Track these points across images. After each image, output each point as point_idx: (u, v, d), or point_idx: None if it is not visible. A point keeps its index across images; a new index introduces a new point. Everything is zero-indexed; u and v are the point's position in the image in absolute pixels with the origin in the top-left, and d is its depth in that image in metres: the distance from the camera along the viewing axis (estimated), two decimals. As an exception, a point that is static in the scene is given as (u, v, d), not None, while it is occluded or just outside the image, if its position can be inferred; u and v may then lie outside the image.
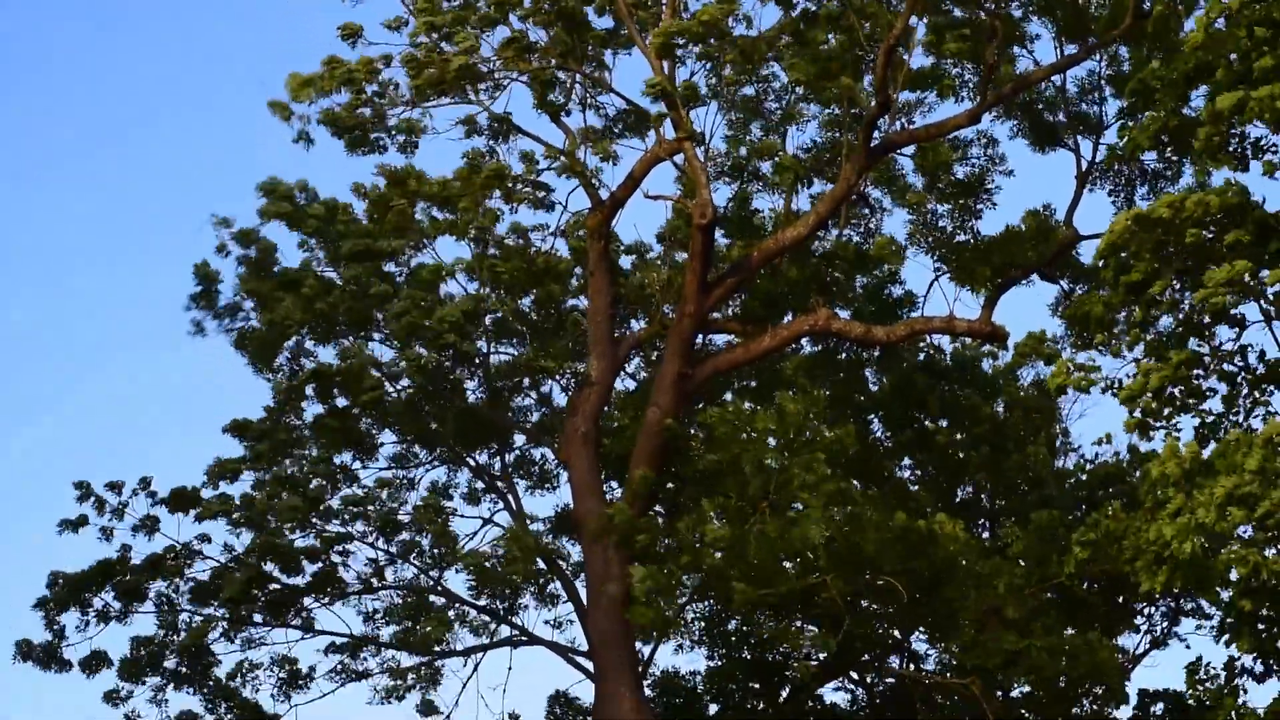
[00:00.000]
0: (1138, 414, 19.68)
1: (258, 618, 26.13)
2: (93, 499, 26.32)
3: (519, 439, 28.76)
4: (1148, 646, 31.07)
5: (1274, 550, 17.52)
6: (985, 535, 28.96)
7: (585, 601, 24.94)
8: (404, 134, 25.57)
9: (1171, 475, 17.16)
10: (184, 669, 26.26)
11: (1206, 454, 18.66)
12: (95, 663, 26.13)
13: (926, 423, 28.49)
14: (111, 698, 26.30)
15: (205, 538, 26.26)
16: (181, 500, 26.12)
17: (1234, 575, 17.14)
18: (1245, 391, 20.41)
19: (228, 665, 26.36)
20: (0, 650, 29.30)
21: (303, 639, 26.51)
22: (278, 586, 25.47)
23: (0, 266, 60.19)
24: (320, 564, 25.69)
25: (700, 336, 26.41)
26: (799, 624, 24.45)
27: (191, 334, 27.28)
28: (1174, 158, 26.34)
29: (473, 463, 28.38)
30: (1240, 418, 20.25)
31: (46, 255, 65.08)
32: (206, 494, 26.35)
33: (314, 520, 25.49)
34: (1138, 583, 17.66)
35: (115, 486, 26.40)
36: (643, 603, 21.76)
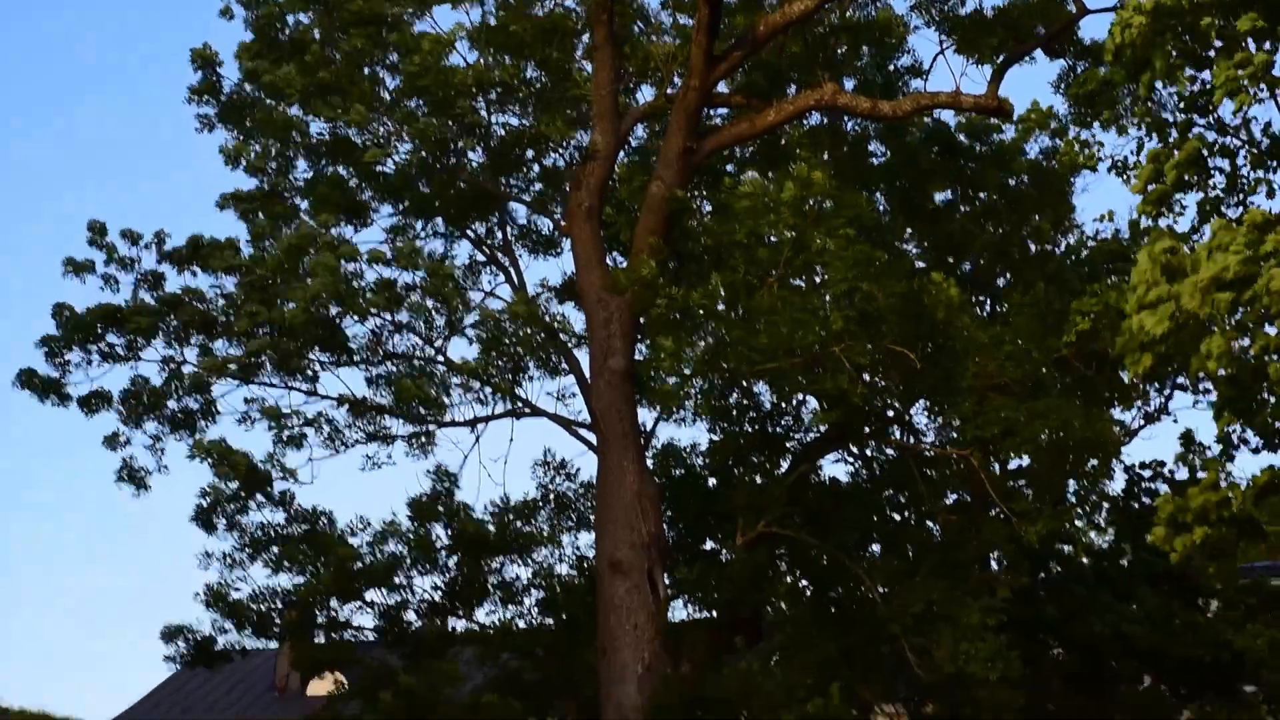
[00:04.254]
0: (1144, 197, 19.62)
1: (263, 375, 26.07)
2: (103, 246, 26.08)
3: (520, 211, 28.72)
4: (1142, 423, 31.55)
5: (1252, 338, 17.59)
6: (989, 311, 29.15)
7: (588, 375, 25.17)
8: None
9: (1153, 275, 17.18)
10: (184, 415, 26.28)
11: (1204, 236, 18.72)
12: (95, 401, 26.17)
13: (933, 195, 28.47)
14: (111, 442, 26.44)
15: (218, 289, 26.07)
16: (194, 251, 25.84)
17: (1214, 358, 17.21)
18: (1247, 167, 20.36)
19: (228, 424, 26.44)
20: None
21: (306, 403, 26.60)
22: (284, 340, 25.24)
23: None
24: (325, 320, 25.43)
25: (705, 110, 26.26)
26: (802, 397, 24.70)
27: (199, 130, 27.03)
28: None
29: (473, 234, 28.33)
30: (1243, 195, 20.23)
31: None
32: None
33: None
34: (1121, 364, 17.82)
35: (130, 235, 26.24)
36: (662, 376, 21.95)
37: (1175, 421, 36.83)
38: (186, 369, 26.15)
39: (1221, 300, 15.41)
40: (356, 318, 25.57)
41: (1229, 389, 16.52)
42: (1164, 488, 29.61)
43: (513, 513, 27.61)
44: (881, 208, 28.43)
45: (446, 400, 26.56)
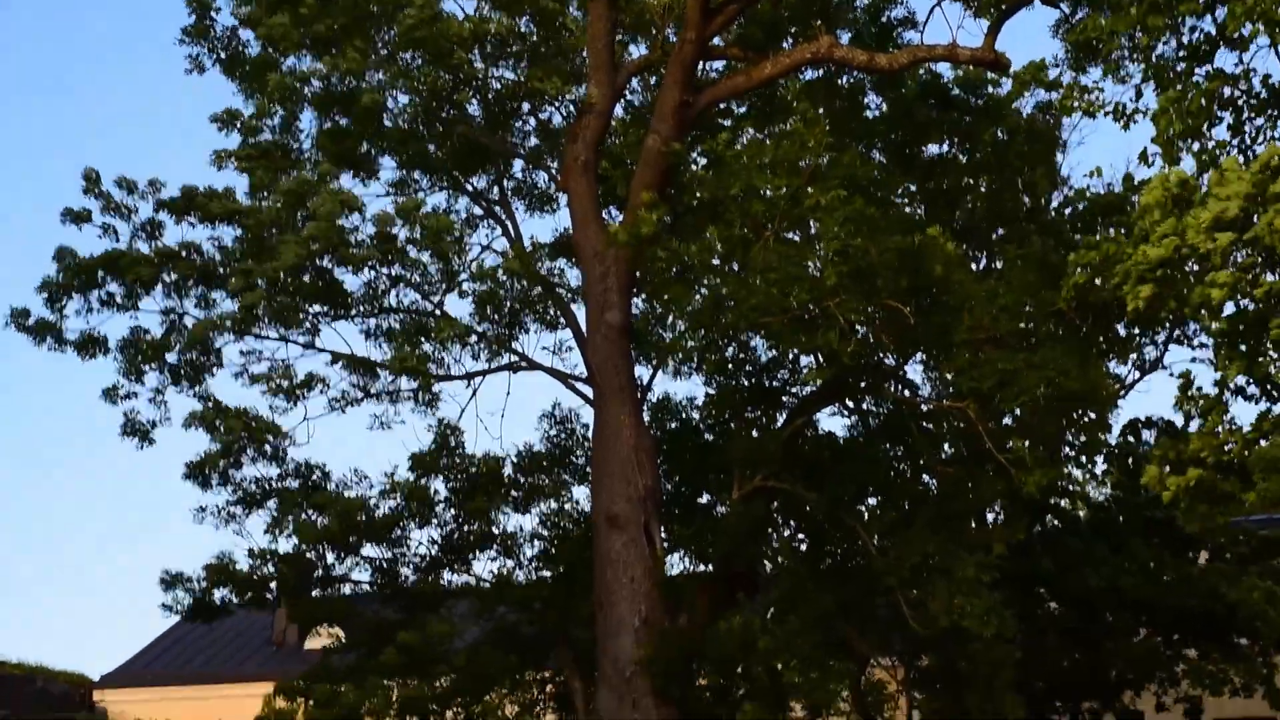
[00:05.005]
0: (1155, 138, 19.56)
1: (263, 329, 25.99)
2: (99, 194, 25.90)
3: (517, 165, 28.61)
4: (1138, 375, 31.58)
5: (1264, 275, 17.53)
6: (983, 265, 29.13)
7: (584, 329, 25.16)
8: None
9: (1161, 202, 17.11)
10: (186, 367, 26.17)
11: (1204, 181, 18.66)
12: (92, 346, 26.04)
13: (928, 149, 28.38)
14: (110, 395, 26.34)
15: (215, 240, 26.00)
16: (189, 200, 25.68)
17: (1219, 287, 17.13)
18: (1249, 117, 20.31)
19: (226, 378, 26.33)
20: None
21: (303, 355, 26.57)
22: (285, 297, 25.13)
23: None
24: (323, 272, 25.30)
25: (701, 64, 26.16)
26: (796, 353, 24.68)
27: (189, 71, 26.85)
28: None
29: (470, 188, 28.26)
30: (1245, 142, 20.16)
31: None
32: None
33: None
34: (1125, 303, 17.70)
35: (126, 184, 26.07)
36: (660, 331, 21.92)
37: (1171, 375, 36.70)
38: (186, 321, 26.06)
39: (1222, 240, 15.37)
40: (352, 269, 25.47)
41: (1228, 325, 16.44)
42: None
43: (512, 465, 27.65)
44: (877, 160, 28.34)
45: (444, 355, 26.56)
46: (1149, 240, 16.67)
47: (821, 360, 22.86)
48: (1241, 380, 18.91)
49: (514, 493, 27.65)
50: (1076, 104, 26.17)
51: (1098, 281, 21.42)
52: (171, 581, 26.54)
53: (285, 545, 26.58)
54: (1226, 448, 17.13)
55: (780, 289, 20.88)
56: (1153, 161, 20.57)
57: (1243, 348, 17.40)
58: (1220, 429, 18.02)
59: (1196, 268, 17.15)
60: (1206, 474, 16.92)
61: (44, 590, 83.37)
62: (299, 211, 24.72)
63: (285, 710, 23.96)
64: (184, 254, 25.68)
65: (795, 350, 23.58)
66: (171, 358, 26.18)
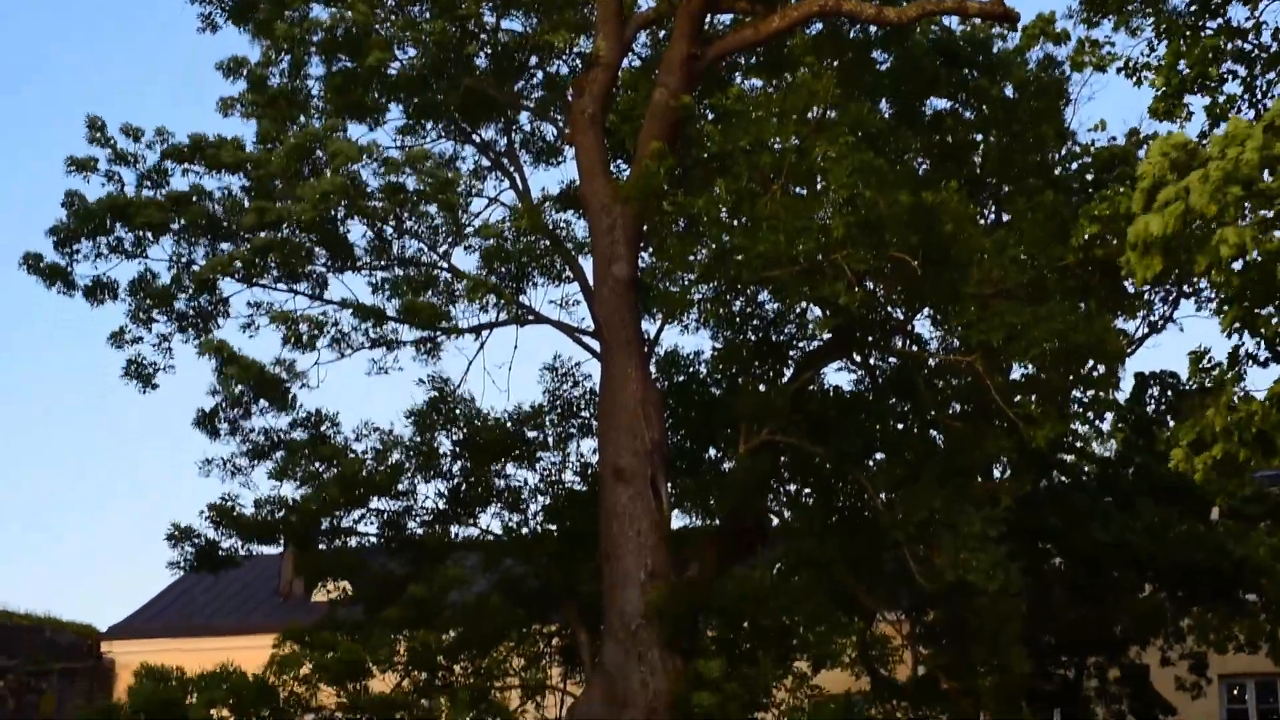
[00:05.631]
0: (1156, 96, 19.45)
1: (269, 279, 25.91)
2: (106, 143, 25.68)
3: (524, 117, 28.50)
4: (1146, 331, 31.51)
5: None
6: (992, 219, 29.02)
7: (591, 282, 25.11)
8: None
9: (1161, 170, 16.98)
10: (193, 311, 26.10)
11: (1215, 135, 18.52)
12: (101, 291, 25.97)
13: (935, 103, 28.26)
14: (117, 339, 26.24)
15: (225, 189, 25.82)
16: (196, 148, 25.53)
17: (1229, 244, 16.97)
18: (1260, 70, 20.23)
19: (233, 330, 26.25)
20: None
21: (310, 307, 26.47)
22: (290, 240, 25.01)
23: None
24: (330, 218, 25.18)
25: (709, 16, 26.03)
26: (805, 305, 24.63)
27: (201, 30, 26.69)
28: None
29: (478, 140, 28.15)
30: (1256, 96, 20.09)
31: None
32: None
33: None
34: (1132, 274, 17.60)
35: (132, 132, 25.90)
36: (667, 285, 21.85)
37: (1181, 330, 36.79)
38: (195, 269, 25.95)
39: (1233, 194, 15.22)
40: (364, 221, 25.38)
41: (1239, 280, 16.27)
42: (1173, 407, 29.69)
43: (518, 418, 27.62)
44: (886, 114, 28.21)
45: (451, 308, 26.48)
46: (1151, 209, 16.51)
47: (827, 312, 22.79)
48: (1250, 344, 18.85)
49: (516, 450, 27.60)
50: (1088, 59, 26.10)
51: (1108, 237, 21.41)
52: (178, 536, 26.53)
53: (291, 493, 26.63)
54: (1250, 422, 17.02)
55: (787, 239, 20.82)
56: (1162, 115, 20.51)
57: (1258, 311, 17.29)
58: (1236, 399, 17.91)
59: (1200, 232, 16.98)
60: (1230, 446, 16.84)
61: (53, 542, 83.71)
62: (307, 162, 24.56)
63: (291, 657, 23.99)
64: (194, 199, 25.53)
65: (802, 303, 23.49)
66: (180, 304, 26.11)
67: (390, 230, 26.05)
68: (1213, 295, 29.23)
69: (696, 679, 21.89)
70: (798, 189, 22.71)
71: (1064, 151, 30.08)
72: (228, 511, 26.23)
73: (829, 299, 21.62)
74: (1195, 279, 28.10)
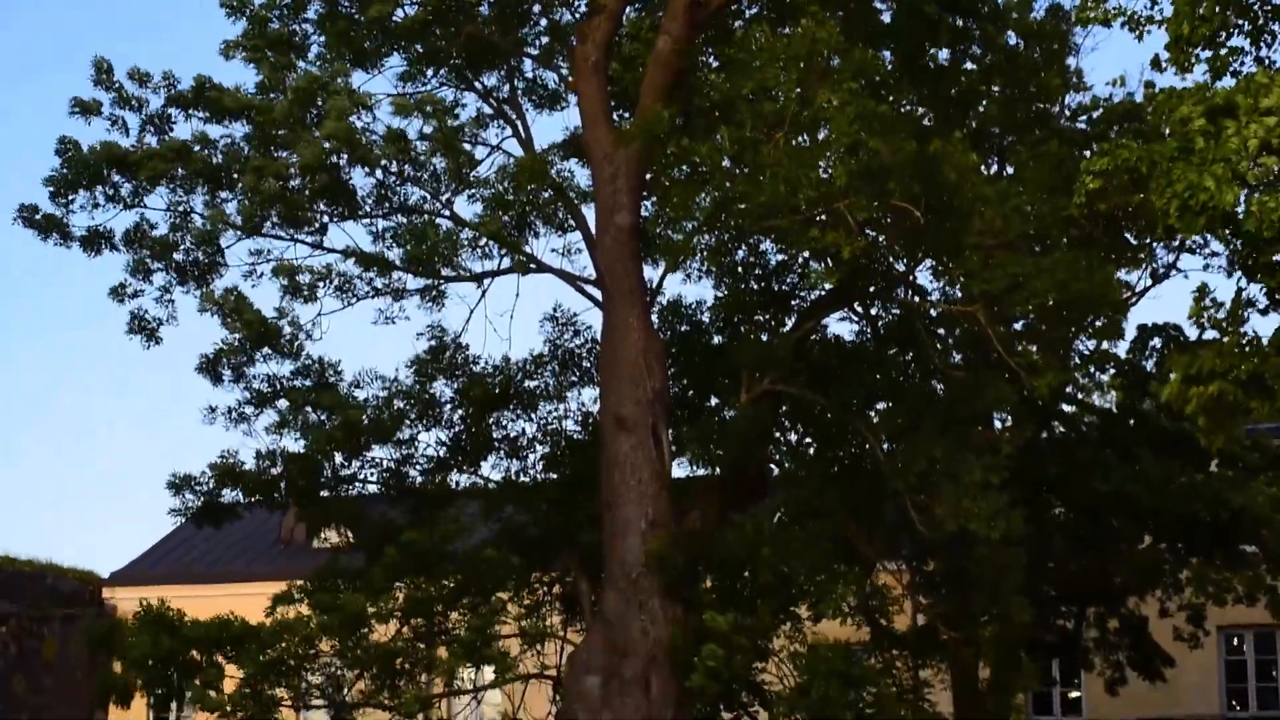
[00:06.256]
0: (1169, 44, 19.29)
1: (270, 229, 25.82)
2: (111, 86, 25.54)
3: (527, 65, 28.37)
4: (1149, 282, 31.39)
5: None
6: (995, 170, 28.93)
7: (594, 231, 25.04)
8: None
9: (1195, 118, 16.84)
10: (193, 266, 25.98)
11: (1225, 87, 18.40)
12: (98, 241, 25.86)
13: (938, 53, 28.10)
14: (118, 293, 26.11)
15: (228, 138, 25.70)
16: (200, 92, 25.35)
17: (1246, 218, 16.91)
18: (1268, 23, 20.03)
19: (234, 279, 26.16)
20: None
21: (311, 255, 26.40)
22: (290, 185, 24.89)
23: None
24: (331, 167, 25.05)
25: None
26: (807, 255, 24.57)
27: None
28: None
29: (480, 87, 28.02)
30: (1263, 51, 19.92)
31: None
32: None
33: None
34: (1169, 225, 17.43)
35: (138, 76, 25.68)
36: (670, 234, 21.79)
37: (1186, 277, 36.59)
38: (195, 221, 25.87)
39: (1269, 163, 15.17)
40: (366, 168, 25.27)
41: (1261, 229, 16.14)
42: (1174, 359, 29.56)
43: (519, 368, 27.60)
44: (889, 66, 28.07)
45: (454, 256, 26.39)
46: (1191, 157, 16.35)
47: (829, 263, 22.71)
48: (1256, 290, 18.81)
49: (517, 400, 27.59)
50: (1092, 14, 25.85)
51: (1109, 190, 21.29)
52: (179, 485, 26.55)
53: (292, 446, 26.63)
54: (1244, 363, 16.99)
55: (789, 188, 20.74)
56: (1166, 68, 20.33)
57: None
58: (1238, 343, 17.88)
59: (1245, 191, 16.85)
60: (1227, 386, 16.80)
61: (54, 489, 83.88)
62: (310, 110, 24.42)
63: (293, 621, 24.07)
64: (197, 148, 25.40)
65: (804, 252, 23.41)
66: (179, 256, 26.03)
67: (393, 177, 25.95)
68: (1217, 248, 29.18)
69: (701, 631, 21.92)
70: (802, 136, 22.62)
71: (1069, 102, 29.95)
72: (230, 469, 26.28)
73: (830, 249, 21.54)
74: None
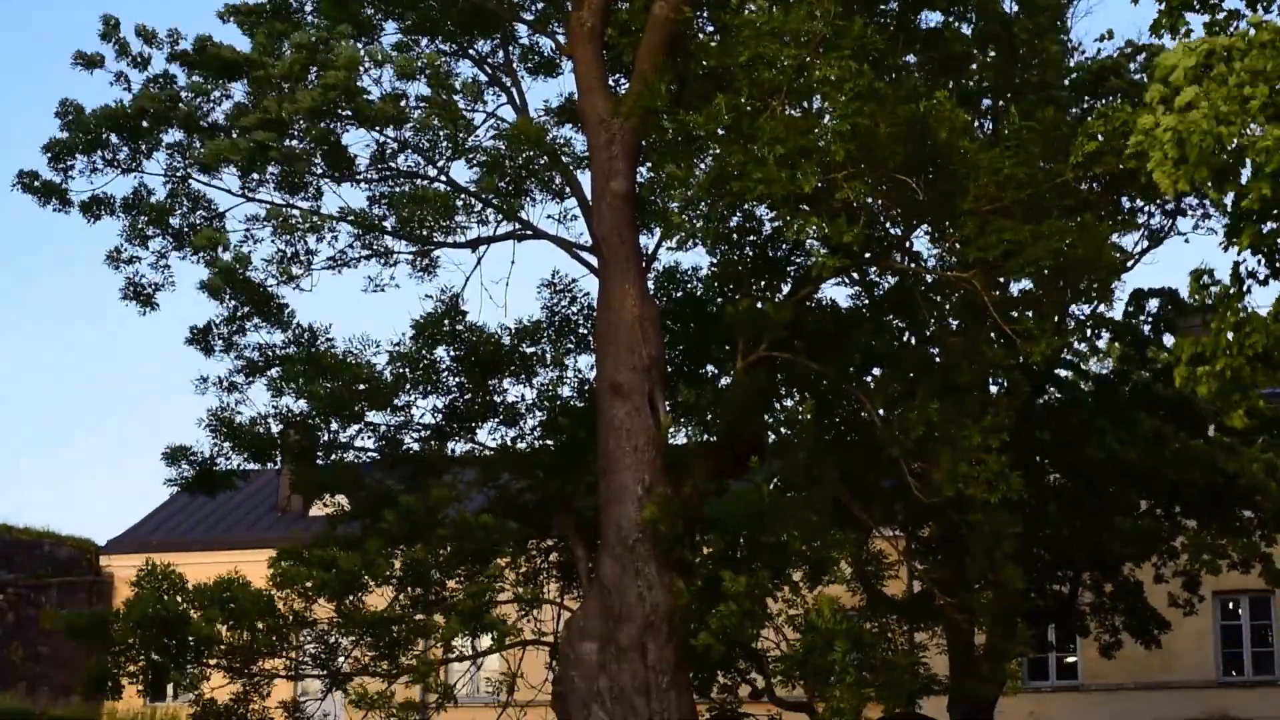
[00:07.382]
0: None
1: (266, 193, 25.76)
2: (117, 41, 25.48)
3: (522, 30, 28.29)
4: (1146, 245, 31.38)
5: None
6: (989, 135, 28.84)
7: (589, 197, 25.01)
8: None
9: (1184, 67, 16.71)
10: (189, 231, 25.90)
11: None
12: (97, 207, 25.80)
13: (931, 17, 28.03)
14: (114, 259, 26.07)
15: (227, 96, 25.60)
16: (201, 50, 25.27)
17: (1248, 166, 16.77)
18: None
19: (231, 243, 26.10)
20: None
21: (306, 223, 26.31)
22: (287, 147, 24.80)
23: None
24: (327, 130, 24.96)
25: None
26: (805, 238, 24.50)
27: None
28: None
29: (475, 54, 27.95)
30: (1259, 12, 19.84)
31: None
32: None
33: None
34: (1150, 184, 17.40)
35: (144, 33, 25.56)
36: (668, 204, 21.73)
37: (1187, 241, 36.47)
38: (192, 185, 25.84)
39: (1260, 95, 14.98)
40: (364, 127, 25.19)
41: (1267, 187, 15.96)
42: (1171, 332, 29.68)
43: (516, 334, 27.56)
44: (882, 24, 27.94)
45: (448, 222, 26.35)
46: (1173, 104, 16.21)
47: (826, 250, 22.59)
48: (1252, 262, 18.75)
49: (513, 365, 27.57)
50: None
51: (1106, 154, 21.23)
52: (174, 455, 26.54)
53: (289, 406, 26.62)
54: (1248, 340, 16.93)
55: (789, 174, 20.65)
56: (1162, 32, 20.25)
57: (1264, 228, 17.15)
58: (1239, 316, 17.80)
59: (1224, 134, 16.68)
60: (1233, 361, 16.75)
61: (51, 456, 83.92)
62: (309, 69, 24.33)
63: (291, 572, 24.02)
64: (198, 99, 25.31)
65: (804, 234, 23.33)
66: (175, 221, 25.98)
67: (391, 140, 25.90)
68: (1213, 212, 29.14)
69: (710, 592, 21.93)
70: (799, 105, 22.54)
71: (1066, 65, 29.84)
72: (228, 421, 26.24)
73: (831, 233, 21.44)
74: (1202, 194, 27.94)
